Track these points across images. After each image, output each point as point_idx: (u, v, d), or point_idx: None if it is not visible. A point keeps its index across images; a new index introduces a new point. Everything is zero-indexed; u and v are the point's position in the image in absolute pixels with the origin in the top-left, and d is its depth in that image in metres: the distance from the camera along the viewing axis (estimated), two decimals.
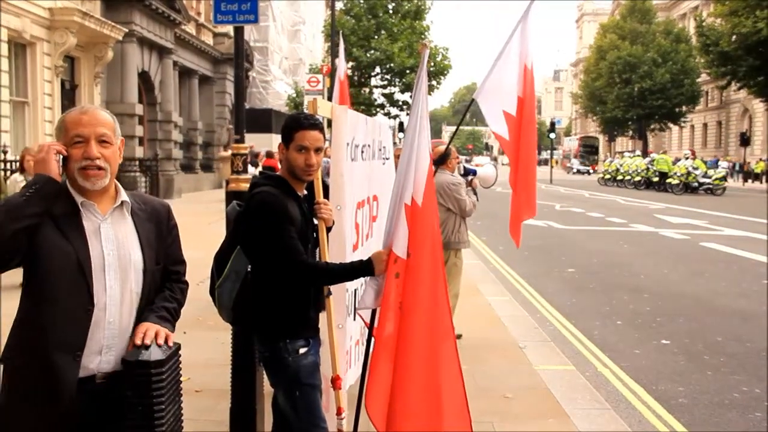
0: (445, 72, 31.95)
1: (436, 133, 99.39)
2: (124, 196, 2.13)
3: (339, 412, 3.01)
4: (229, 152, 6.61)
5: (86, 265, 2.00)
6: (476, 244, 11.97)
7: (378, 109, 33.35)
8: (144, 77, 20.46)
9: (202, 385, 4.52)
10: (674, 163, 30.08)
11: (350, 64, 28.89)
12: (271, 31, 34.57)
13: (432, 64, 30.39)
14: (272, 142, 23.36)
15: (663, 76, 47.35)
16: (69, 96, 16.43)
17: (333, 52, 20.01)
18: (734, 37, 31.29)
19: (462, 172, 6.16)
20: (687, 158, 29.54)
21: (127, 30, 17.55)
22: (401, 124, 32.63)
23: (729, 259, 11.13)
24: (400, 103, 33.40)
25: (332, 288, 3.03)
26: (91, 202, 2.06)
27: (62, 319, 1.98)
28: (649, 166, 31.43)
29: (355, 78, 31.18)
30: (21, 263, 1.99)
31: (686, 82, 47.66)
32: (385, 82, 33.11)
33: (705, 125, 55.34)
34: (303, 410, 2.73)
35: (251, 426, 3.62)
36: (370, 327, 2.79)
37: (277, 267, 2.62)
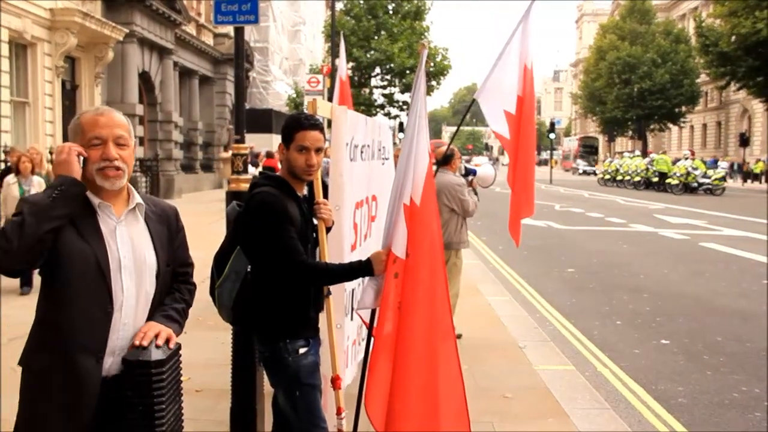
0: (445, 72, 31.97)
1: (436, 133, 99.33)
2: (138, 198, 2.14)
3: (339, 412, 3.02)
4: (230, 153, 6.63)
5: (105, 267, 2.01)
6: (476, 244, 11.98)
7: (378, 110, 33.37)
8: (144, 77, 20.47)
9: (203, 385, 4.53)
10: (674, 164, 30.10)
11: (350, 64, 28.90)
12: (271, 31, 34.59)
13: (432, 64, 30.42)
14: (272, 142, 23.38)
15: (662, 76, 47.37)
16: (69, 96, 16.44)
17: (333, 53, 20.03)
18: (733, 37, 31.31)
19: (463, 172, 6.17)
20: (686, 158, 29.55)
21: (127, 30, 17.56)
22: (401, 124, 32.63)
23: (728, 259, 11.14)
24: (400, 103, 33.41)
25: (331, 288, 3.04)
26: (108, 204, 2.07)
27: (84, 321, 1.98)
28: (649, 167, 31.44)
29: (355, 78, 31.19)
30: (39, 265, 1.99)
31: (686, 83, 47.68)
32: (385, 83, 33.14)
33: (704, 125, 55.36)
34: (303, 410, 2.74)
35: (251, 426, 3.62)
36: (370, 327, 2.80)
37: (277, 267, 2.63)
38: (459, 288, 5.98)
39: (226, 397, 3.74)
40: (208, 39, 26.73)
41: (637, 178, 31.94)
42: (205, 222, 12.38)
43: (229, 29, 22.23)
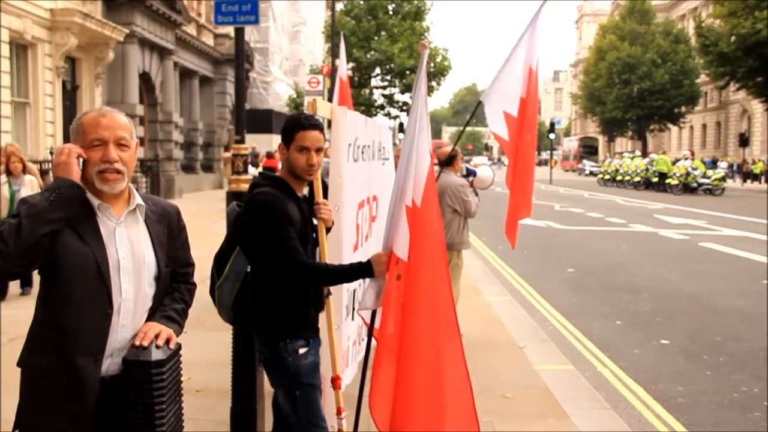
0: (445, 73, 31.97)
1: (435, 133, 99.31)
2: (138, 199, 2.13)
3: (339, 412, 3.03)
4: (230, 153, 6.64)
5: (104, 269, 2.00)
6: (476, 245, 11.98)
7: (378, 110, 33.37)
8: (145, 78, 20.48)
9: (203, 385, 4.54)
10: (673, 164, 30.11)
11: (350, 64, 28.89)
12: (271, 32, 34.56)
13: (432, 64, 30.42)
14: (272, 142, 23.41)
15: (662, 76, 47.38)
16: (70, 97, 16.46)
17: (333, 53, 20.04)
18: (733, 38, 31.29)
19: (464, 173, 6.17)
20: (686, 159, 29.56)
21: (128, 31, 17.57)
22: (401, 124, 32.64)
23: (728, 259, 11.14)
24: (400, 103, 33.42)
25: (332, 288, 3.04)
26: (107, 205, 2.06)
27: (83, 322, 1.98)
28: (649, 167, 31.45)
29: (356, 79, 31.19)
30: (38, 267, 1.99)
31: (685, 83, 47.69)
32: (385, 83, 33.15)
33: (704, 126, 55.37)
34: (303, 410, 2.74)
35: (251, 426, 3.63)
36: (370, 327, 2.80)
37: (277, 267, 2.63)
38: (459, 288, 5.98)
39: (226, 397, 3.75)
40: (208, 39, 26.74)
41: (637, 179, 31.94)
42: (206, 222, 12.38)
43: (230, 30, 22.26)
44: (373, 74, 32.67)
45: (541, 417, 4.32)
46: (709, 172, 28.65)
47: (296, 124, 2.74)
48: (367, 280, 2.73)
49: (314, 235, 2.89)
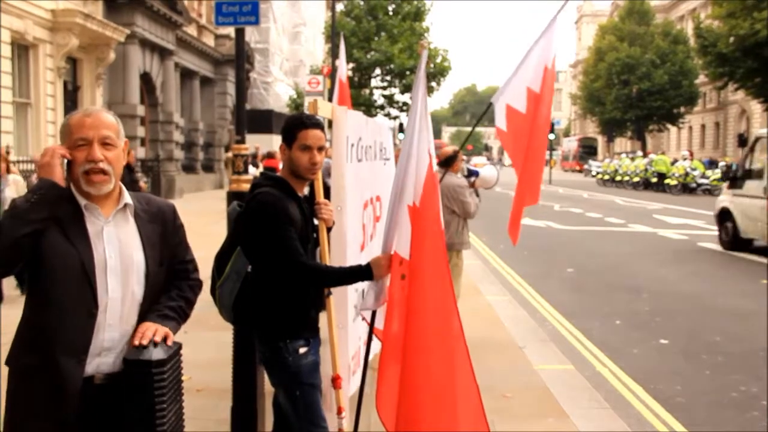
0: (445, 73, 31.96)
1: (435, 133, 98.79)
2: (127, 198, 2.12)
3: (339, 412, 3.03)
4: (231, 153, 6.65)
5: (90, 269, 2.00)
6: (476, 244, 11.99)
7: (378, 110, 33.37)
8: (146, 78, 20.49)
9: (204, 385, 4.55)
10: (672, 164, 30.11)
11: (350, 65, 28.89)
12: (271, 32, 34.56)
13: (432, 65, 30.42)
14: (273, 143, 23.37)
15: (661, 77, 47.35)
16: (71, 97, 16.47)
17: (333, 54, 20.04)
18: (732, 38, 31.28)
19: (465, 173, 6.17)
20: (685, 159, 29.58)
21: (128, 31, 17.58)
22: (401, 125, 32.64)
23: (727, 259, 11.15)
24: (400, 104, 33.42)
25: (338, 288, 3.04)
26: (95, 205, 2.06)
27: (67, 322, 1.98)
28: (648, 167, 31.46)
29: (356, 79, 31.18)
30: (25, 266, 1.99)
31: (684, 84, 47.66)
32: (385, 84, 33.12)
33: (703, 126, 55.34)
34: (303, 410, 2.75)
35: (252, 425, 3.64)
36: (371, 326, 2.81)
37: (277, 267, 2.64)
38: (460, 289, 5.98)
39: (226, 396, 3.76)
40: (209, 40, 26.76)
41: (636, 179, 31.94)
42: (206, 222, 12.39)
43: (230, 30, 22.26)
44: (373, 75, 32.67)
45: (541, 417, 4.33)
46: (708, 173, 28.66)
47: (298, 123, 2.75)
48: (367, 282, 2.74)
49: (315, 235, 2.90)
